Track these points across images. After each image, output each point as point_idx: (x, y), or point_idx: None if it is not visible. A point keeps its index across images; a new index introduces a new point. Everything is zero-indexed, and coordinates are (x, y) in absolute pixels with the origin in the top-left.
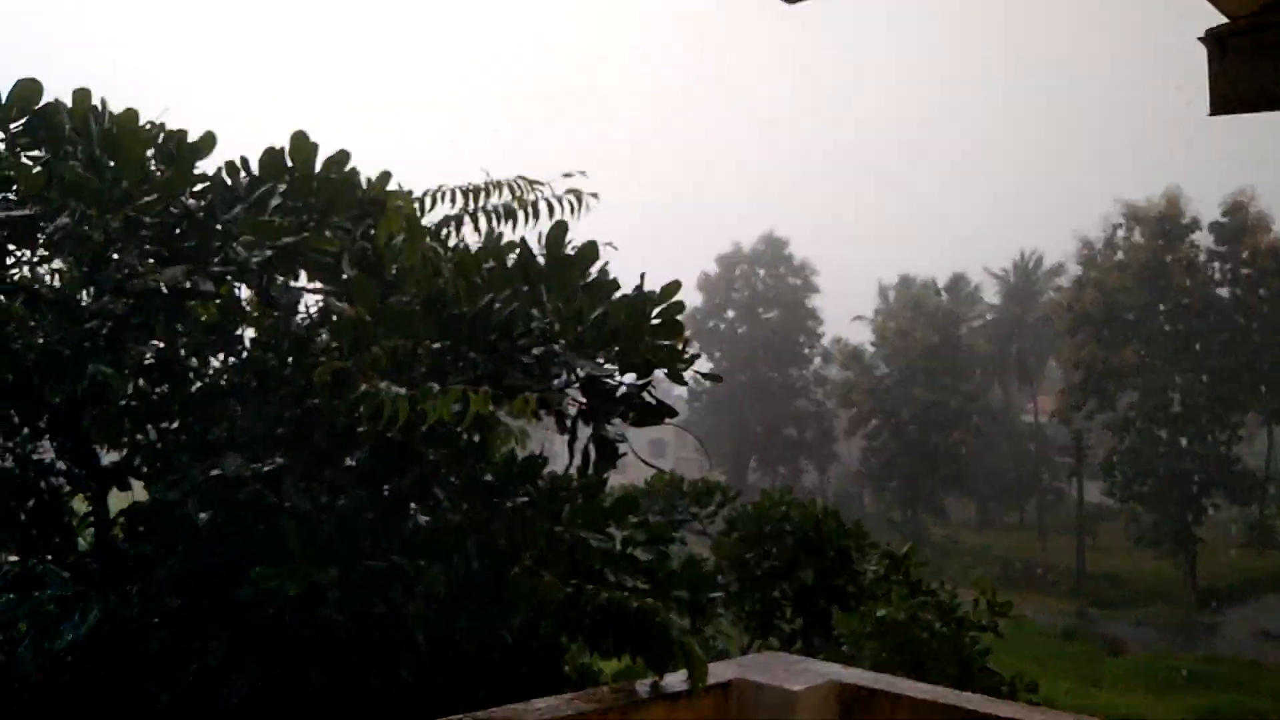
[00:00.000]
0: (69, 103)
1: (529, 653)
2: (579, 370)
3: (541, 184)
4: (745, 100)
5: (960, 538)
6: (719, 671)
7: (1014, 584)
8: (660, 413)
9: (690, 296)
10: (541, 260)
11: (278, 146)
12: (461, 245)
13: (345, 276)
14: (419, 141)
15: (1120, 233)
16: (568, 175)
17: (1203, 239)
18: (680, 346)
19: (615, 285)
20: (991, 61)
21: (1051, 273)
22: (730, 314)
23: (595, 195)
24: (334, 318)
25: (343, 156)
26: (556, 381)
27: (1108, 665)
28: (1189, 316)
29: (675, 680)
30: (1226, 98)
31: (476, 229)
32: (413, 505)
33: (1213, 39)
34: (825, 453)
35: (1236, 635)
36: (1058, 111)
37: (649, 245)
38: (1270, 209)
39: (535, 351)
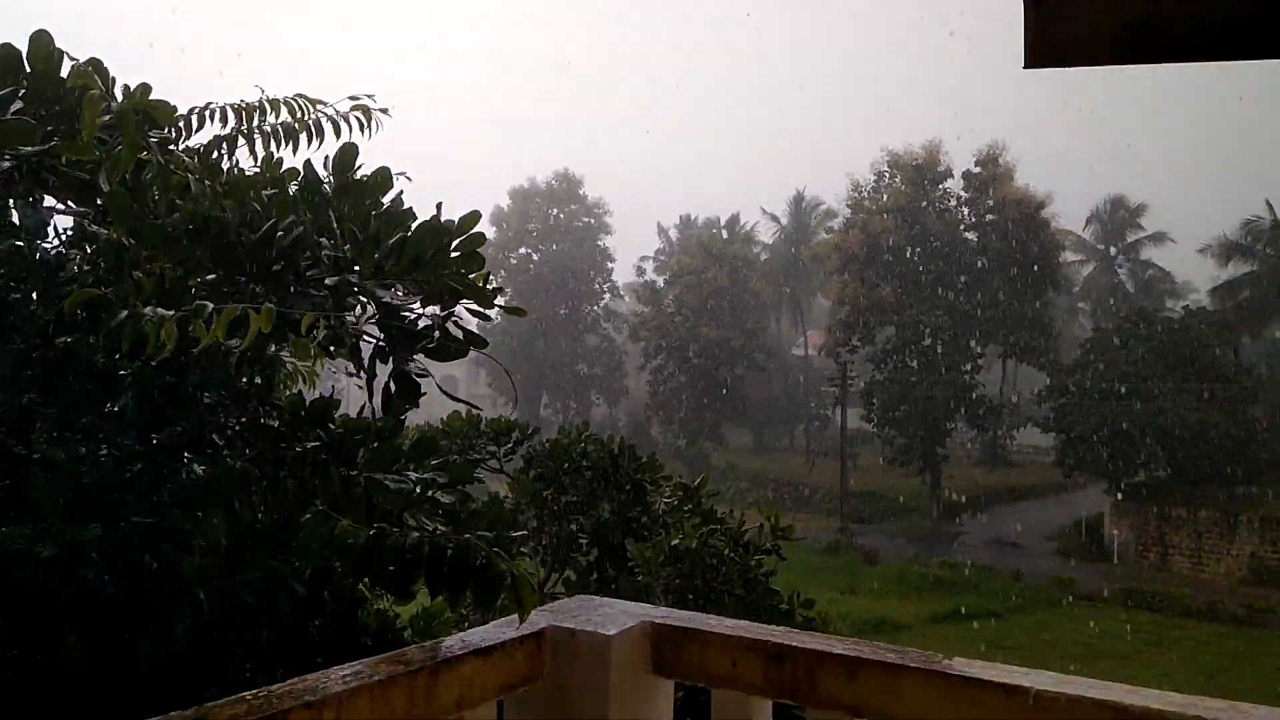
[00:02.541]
0: None
1: (322, 604)
2: (376, 302)
3: (325, 103)
4: (539, 38)
5: (738, 463)
6: (531, 620)
7: (785, 504)
8: (468, 345)
9: (482, 230)
10: (329, 186)
11: (14, 46)
12: (235, 169)
13: (101, 197)
14: (195, 65)
15: (886, 178)
16: (354, 97)
17: (954, 186)
18: (482, 280)
19: (412, 214)
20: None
21: (824, 215)
22: (523, 249)
23: (386, 111)
24: (86, 244)
25: (96, 64)
26: (350, 316)
27: (865, 574)
28: (939, 258)
29: (482, 633)
30: (1041, 49)
31: (252, 152)
32: (187, 455)
33: None
34: (615, 386)
35: (974, 543)
36: (843, 57)
37: (440, 180)
38: (1016, 161)
39: (327, 282)
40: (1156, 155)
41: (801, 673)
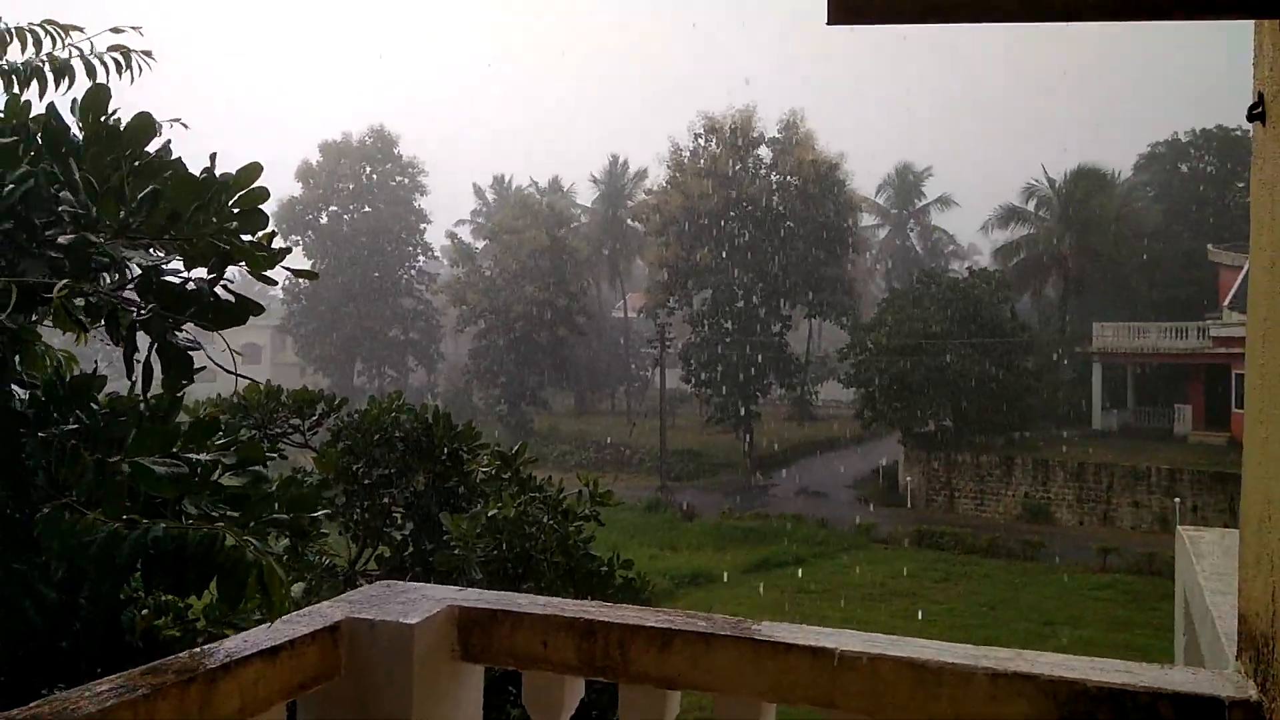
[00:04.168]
0: None
1: (78, 607)
2: (130, 265)
3: (80, 30)
4: None
5: (560, 426)
6: (326, 613)
7: (607, 465)
8: (242, 311)
9: (289, 187)
10: (78, 133)
11: None
12: None
13: None
14: None
15: (701, 142)
16: (116, 30)
17: (765, 153)
18: (266, 240)
19: (175, 165)
20: None
21: (638, 177)
22: (333, 207)
23: (149, 54)
24: None
25: None
26: (104, 280)
27: (683, 530)
28: (752, 221)
29: (269, 631)
30: (845, 6)
31: None
32: None
33: None
34: (432, 351)
35: (784, 495)
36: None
37: (246, 136)
38: (816, 130)
39: (60, 241)
40: (949, 121)
41: (614, 648)
